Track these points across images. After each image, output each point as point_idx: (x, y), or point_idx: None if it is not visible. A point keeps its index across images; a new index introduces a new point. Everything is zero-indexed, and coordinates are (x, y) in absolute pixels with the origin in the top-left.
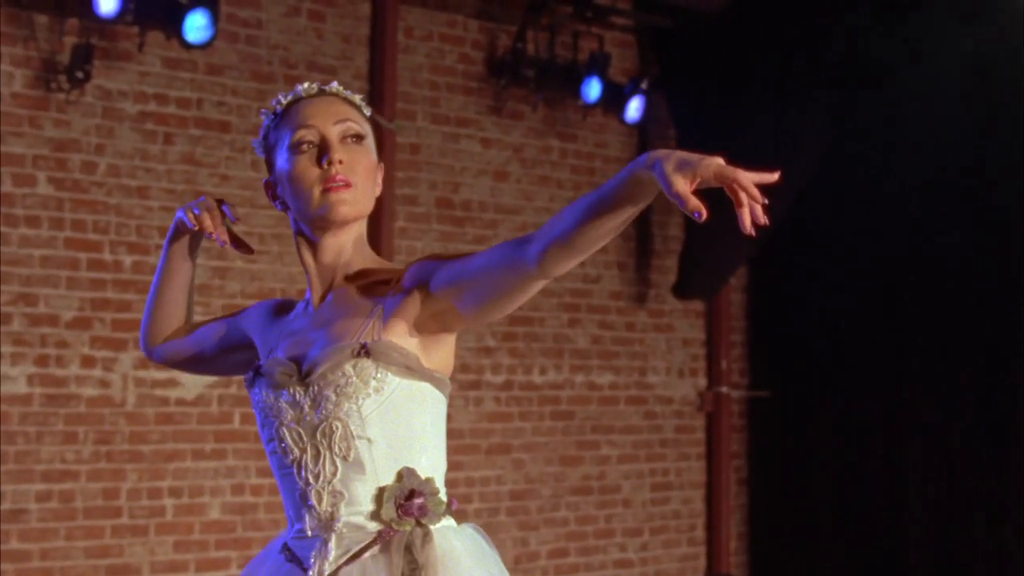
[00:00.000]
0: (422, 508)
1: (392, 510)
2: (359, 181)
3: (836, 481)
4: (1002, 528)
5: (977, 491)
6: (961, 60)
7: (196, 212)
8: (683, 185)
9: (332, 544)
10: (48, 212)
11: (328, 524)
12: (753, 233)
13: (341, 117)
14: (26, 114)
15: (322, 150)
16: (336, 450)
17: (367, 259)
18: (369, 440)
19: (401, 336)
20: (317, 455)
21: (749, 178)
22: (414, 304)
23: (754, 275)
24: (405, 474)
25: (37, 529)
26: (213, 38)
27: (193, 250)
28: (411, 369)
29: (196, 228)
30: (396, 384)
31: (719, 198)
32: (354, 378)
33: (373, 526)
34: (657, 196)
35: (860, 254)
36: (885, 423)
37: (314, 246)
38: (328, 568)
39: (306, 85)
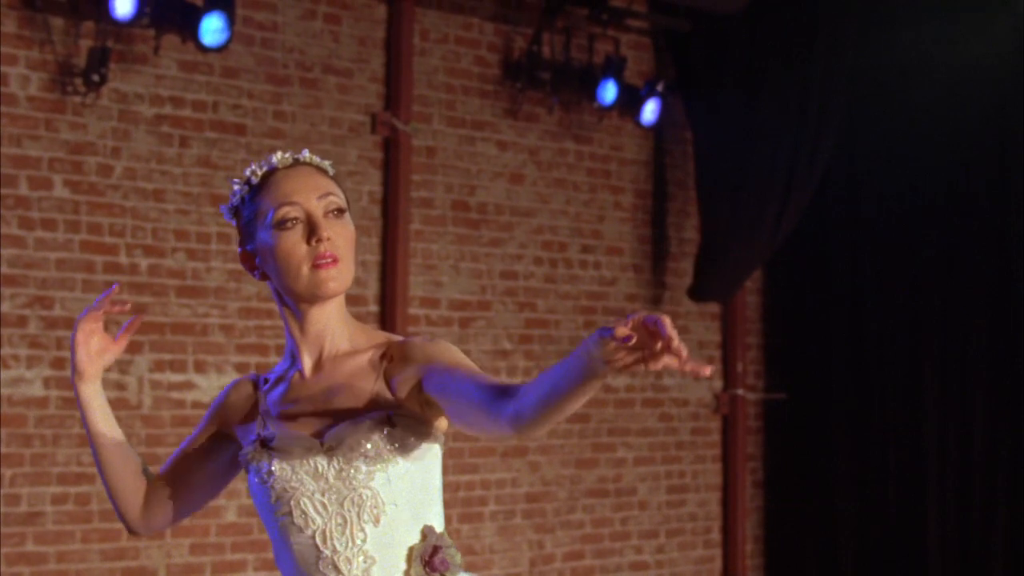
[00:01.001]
0: (444, 562)
1: (420, 568)
2: (345, 255)
3: (852, 483)
4: (1022, 529)
5: (995, 492)
6: (975, 66)
7: (76, 356)
8: (608, 350)
9: None
10: (64, 215)
11: None
12: (709, 375)
13: (323, 191)
14: (42, 117)
15: (309, 227)
16: (365, 517)
17: (350, 325)
18: (396, 504)
19: (412, 405)
20: (344, 523)
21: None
22: (414, 382)
23: (770, 277)
24: (427, 532)
25: (53, 532)
26: (229, 41)
27: (98, 409)
28: (428, 434)
29: (87, 364)
30: (417, 449)
31: (735, 194)
32: (383, 448)
33: None
34: (672, 198)
35: (876, 256)
36: (901, 425)
37: (301, 318)
38: None
39: (279, 155)
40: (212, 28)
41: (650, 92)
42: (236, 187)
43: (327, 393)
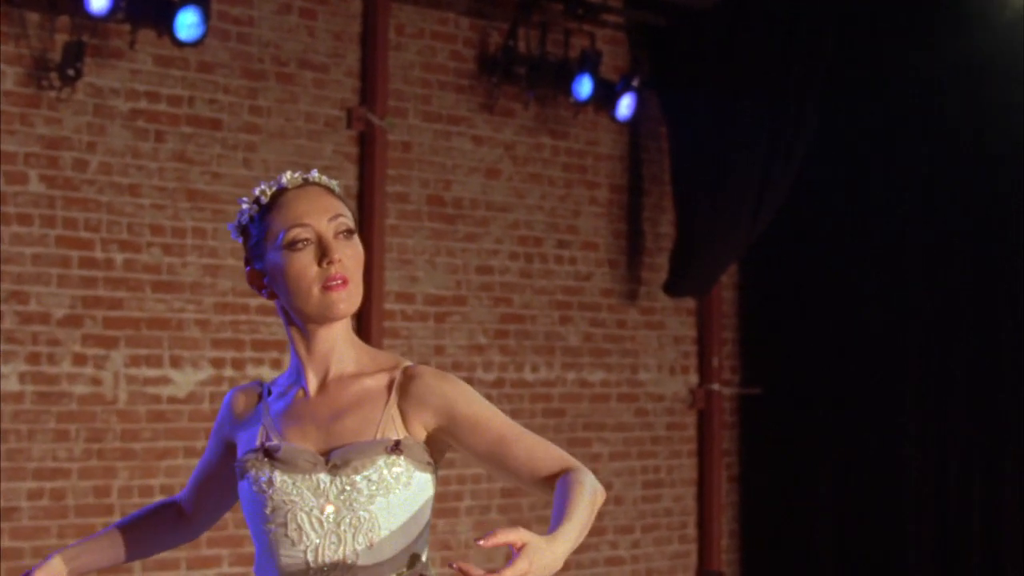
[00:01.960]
0: None
1: None
2: (354, 276)
3: (827, 478)
4: (998, 525)
5: (972, 486)
6: (953, 60)
7: None
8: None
9: None
10: (39, 210)
11: None
12: None
13: (333, 213)
14: (18, 112)
15: (320, 249)
16: (360, 539)
17: (356, 347)
18: (390, 530)
19: (417, 434)
20: (338, 542)
21: None
22: (429, 424)
23: (745, 273)
24: (414, 560)
25: (29, 527)
26: (204, 36)
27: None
28: (428, 464)
29: None
30: (417, 479)
31: (710, 190)
32: (387, 474)
33: None
34: (647, 193)
35: (851, 251)
36: (877, 420)
37: (308, 337)
38: None
39: (289, 175)
40: (187, 23)
41: (626, 87)
42: (245, 206)
43: (333, 414)
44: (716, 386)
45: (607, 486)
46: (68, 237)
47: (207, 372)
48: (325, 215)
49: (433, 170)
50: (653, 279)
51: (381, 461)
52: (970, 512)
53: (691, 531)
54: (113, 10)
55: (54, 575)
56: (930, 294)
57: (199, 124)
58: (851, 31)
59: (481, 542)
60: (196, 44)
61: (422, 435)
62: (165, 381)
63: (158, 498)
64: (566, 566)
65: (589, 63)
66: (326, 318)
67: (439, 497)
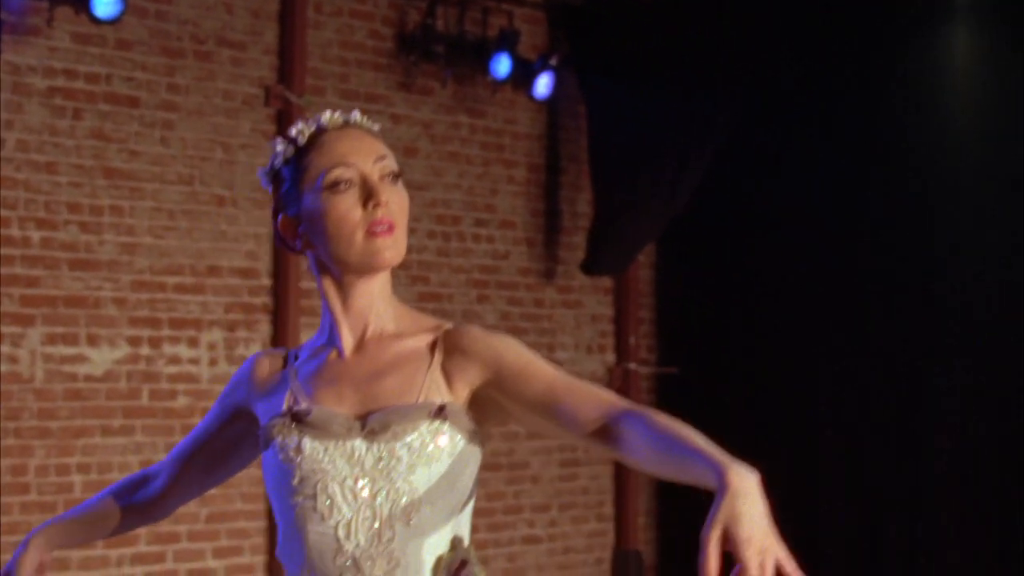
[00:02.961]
0: None
1: None
2: (400, 223)
3: (743, 457)
4: (918, 508)
5: (888, 468)
6: (876, 47)
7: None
8: (714, 543)
9: None
10: None
11: None
12: None
13: (379, 155)
14: None
15: (365, 191)
16: (398, 514)
17: (395, 305)
18: (432, 505)
19: (461, 395)
20: (373, 517)
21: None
22: (475, 380)
23: (662, 252)
24: (457, 543)
25: None
26: (123, 13)
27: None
28: (475, 437)
29: None
30: (463, 450)
31: (628, 169)
32: (429, 441)
33: None
34: (565, 172)
35: (768, 232)
36: (793, 400)
37: (344, 290)
38: None
39: (328, 115)
40: (106, 0)
41: (543, 66)
42: (279, 147)
43: (371, 375)
44: (633, 365)
45: (524, 465)
46: None
47: (124, 350)
48: (370, 156)
49: None
50: (570, 258)
51: (424, 427)
52: (885, 491)
53: (608, 510)
54: None
55: (42, 551)
56: (846, 274)
57: (117, 102)
58: (780, 17)
59: None
60: (114, 22)
61: (466, 395)
62: (82, 359)
63: (75, 477)
64: (482, 545)
65: (507, 42)
66: (370, 267)
67: None
